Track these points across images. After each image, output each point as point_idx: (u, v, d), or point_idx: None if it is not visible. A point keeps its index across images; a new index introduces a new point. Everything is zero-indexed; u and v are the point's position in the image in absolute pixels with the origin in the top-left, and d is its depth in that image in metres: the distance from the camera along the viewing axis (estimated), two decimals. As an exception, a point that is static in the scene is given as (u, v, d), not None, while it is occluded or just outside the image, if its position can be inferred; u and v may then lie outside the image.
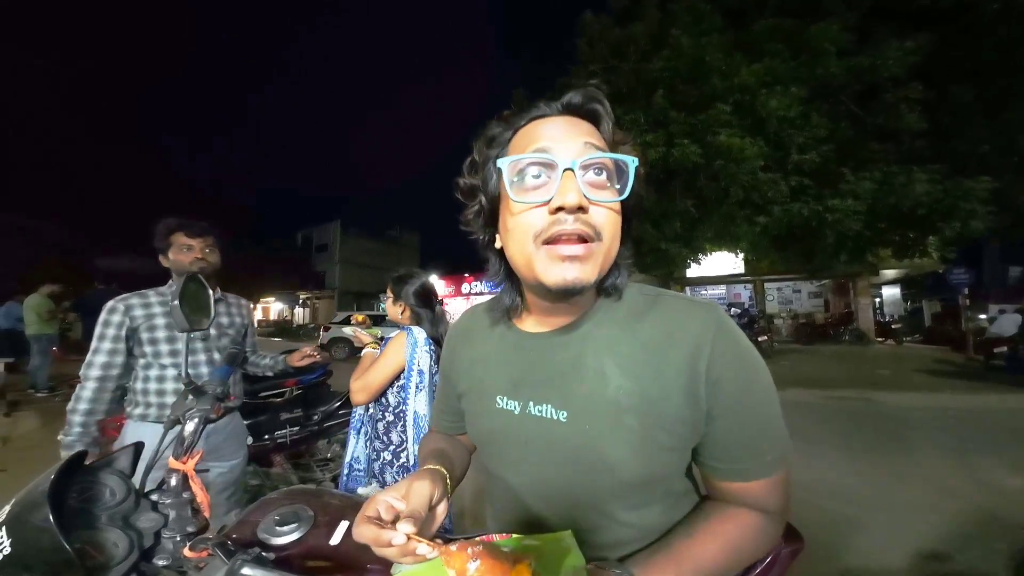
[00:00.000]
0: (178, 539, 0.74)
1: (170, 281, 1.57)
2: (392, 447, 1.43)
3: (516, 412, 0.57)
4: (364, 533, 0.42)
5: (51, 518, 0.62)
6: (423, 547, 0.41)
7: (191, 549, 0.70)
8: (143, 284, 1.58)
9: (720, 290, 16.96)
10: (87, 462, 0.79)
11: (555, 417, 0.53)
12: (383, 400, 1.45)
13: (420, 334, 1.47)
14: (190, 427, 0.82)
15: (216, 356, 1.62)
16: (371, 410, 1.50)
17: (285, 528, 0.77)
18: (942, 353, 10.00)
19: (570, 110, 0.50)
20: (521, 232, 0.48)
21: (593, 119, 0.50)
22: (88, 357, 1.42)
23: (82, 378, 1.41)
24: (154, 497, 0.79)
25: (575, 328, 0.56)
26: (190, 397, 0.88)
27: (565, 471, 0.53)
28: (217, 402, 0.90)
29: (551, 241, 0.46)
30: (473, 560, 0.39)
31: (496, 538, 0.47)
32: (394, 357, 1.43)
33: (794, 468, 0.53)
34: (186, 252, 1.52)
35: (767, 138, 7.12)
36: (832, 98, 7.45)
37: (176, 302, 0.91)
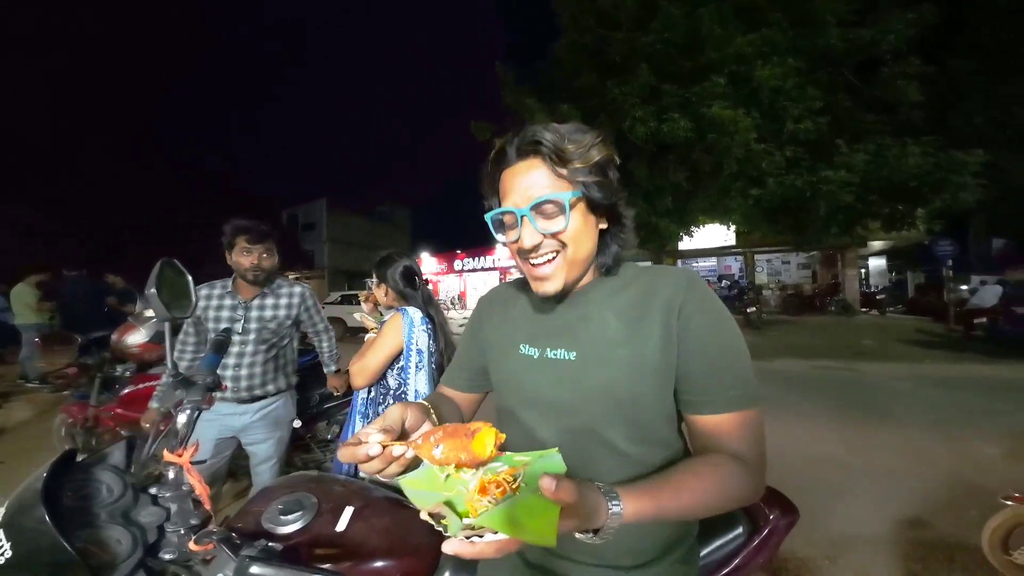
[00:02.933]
0: (182, 532, 0.73)
1: (233, 275, 1.78)
2: None
3: (535, 356, 0.70)
4: (343, 454, 0.48)
5: (47, 518, 0.60)
6: (397, 448, 0.48)
7: (196, 542, 0.69)
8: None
9: (711, 262, 17.11)
10: (78, 459, 0.77)
11: (566, 357, 0.67)
12: (384, 383, 1.44)
13: (416, 314, 1.46)
14: (182, 419, 0.80)
15: (253, 352, 1.75)
16: (372, 393, 1.49)
17: (290, 517, 0.77)
18: (924, 324, 10.28)
19: (524, 154, 0.63)
20: (512, 253, 0.68)
21: (541, 156, 0.62)
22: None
23: None
24: (153, 491, 0.78)
25: (582, 293, 0.71)
26: (179, 389, 0.85)
27: (573, 399, 0.64)
28: (208, 392, 0.87)
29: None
30: (436, 446, 0.46)
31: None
32: (391, 338, 1.41)
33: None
34: (245, 256, 1.70)
35: (761, 109, 7.01)
36: (830, 69, 7.32)
37: (152, 290, 0.86)
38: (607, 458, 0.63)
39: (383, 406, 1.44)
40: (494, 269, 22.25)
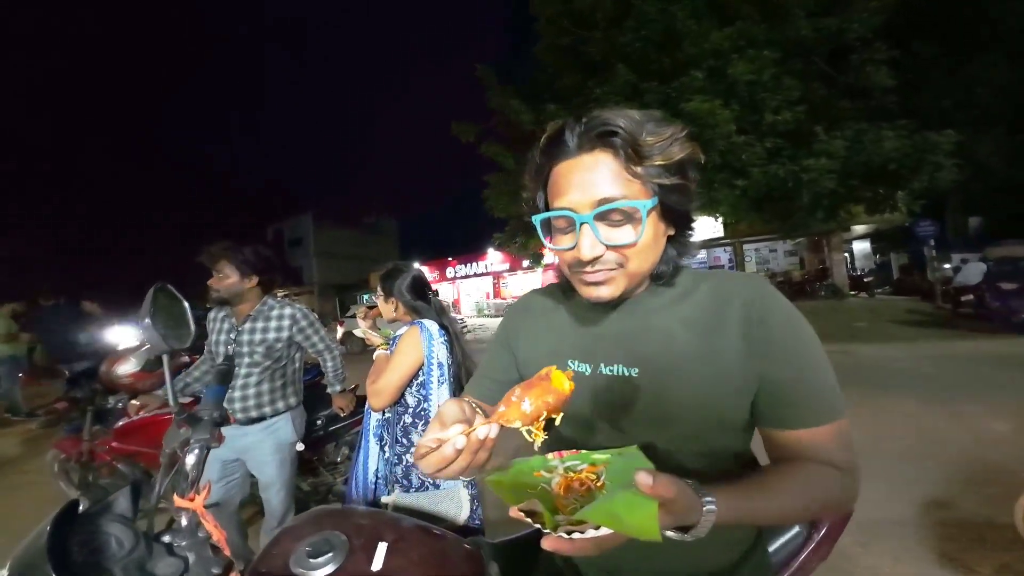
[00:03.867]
0: None
1: None
2: (414, 448, 1.35)
3: (588, 373, 0.62)
4: (427, 464, 0.44)
5: None
6: (482, 428, 0.44)
7: None
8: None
9: (701, 255, 17.28)
10: (81, 508, 0.70)
11: (626, 374, 0.59)
12: (402, 401, 1.37)
13: (433, 326, 1.40)
14: (191, 460, 0.73)
15: (247, 375, 1.72)
16: (387, 414, 1.42)
17: (320, 560, 0.70)
18: (912, 303, 10.46)
19: (589, 144, 0.53)
20: (560, 260, 0.59)
21: (612, 149, 0.52)
22: None
23: None
24: (166, 539, 0.71)
25: (636, 302, 0.62)
26: (184, 427, 0.78)
27: (638, 421, 0.58)
28: (216, 428, 0.80)
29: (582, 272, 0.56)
30: (521, 402, 0.44)
31: (564, 454, 0.48)
32: (410, 354, 1.34)
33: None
34: (213, 279, 1.71)
35: (741, 102, 7.11)
36: (804, 58, 7.47)
37: (147, 320, 0.79)
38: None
39: (399, 426, 1.37)
40: (487, 274, 22.19)
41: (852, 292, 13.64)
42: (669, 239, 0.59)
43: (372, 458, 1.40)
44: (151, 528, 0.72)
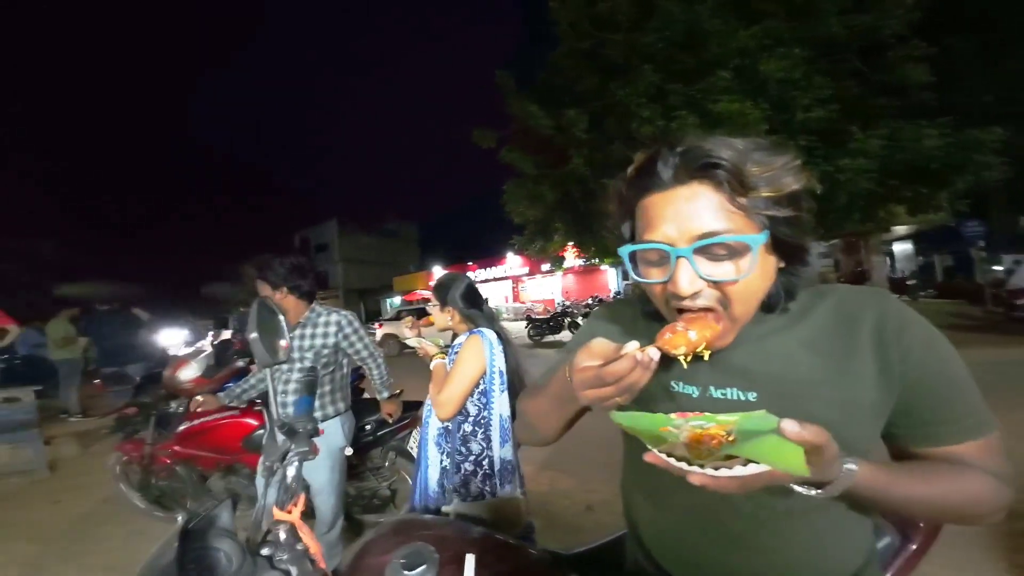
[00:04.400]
0: None
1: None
2: (473, 457, 1.38)
3: (695, 396, 0.59)
4: (594, 380, 0.46)
5: None
6: (651, 349, 0.46)
7: None
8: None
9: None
10: (182, 521, 0.73)
11: (742, 398, 0.56)
12: (462, 410, 1.40)
13: (491, 334, 1.42)
14: (291, 472, 0.77)
15: (293, 383, 1.80)
16: (447, 423, 1.44)
17: (414, 572, 0.72)
18: (959, 307, 9.94)
19: (686, 176, 0.48)
20: (651, 293, 0.56)
21: (714, 181, 0.48)
22: None
23: None
24: (265, 552, 0.74)
25: (748, 325, 0.56)
26: (281, 439, 0.81)
27: None
28: (311, 438, 0.83)
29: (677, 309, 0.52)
30: (687, 332, 0.48)
31: (688, 415, 0.46)
32: (475, 362, 1.37)
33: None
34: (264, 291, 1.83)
35: (771, 101, 6.95)
36: (835, 57, 7.26)
37: (254, 334, 0.83)
38: (790, 500, 0.53)
39: (459, 435, 1.40)
40: (506, 279, 22.26)
41: (894, 296, 13.08)
42: (780, 271, 0.54)
43: (433, 467, 1.43)
44: (253, 542, 0.75)
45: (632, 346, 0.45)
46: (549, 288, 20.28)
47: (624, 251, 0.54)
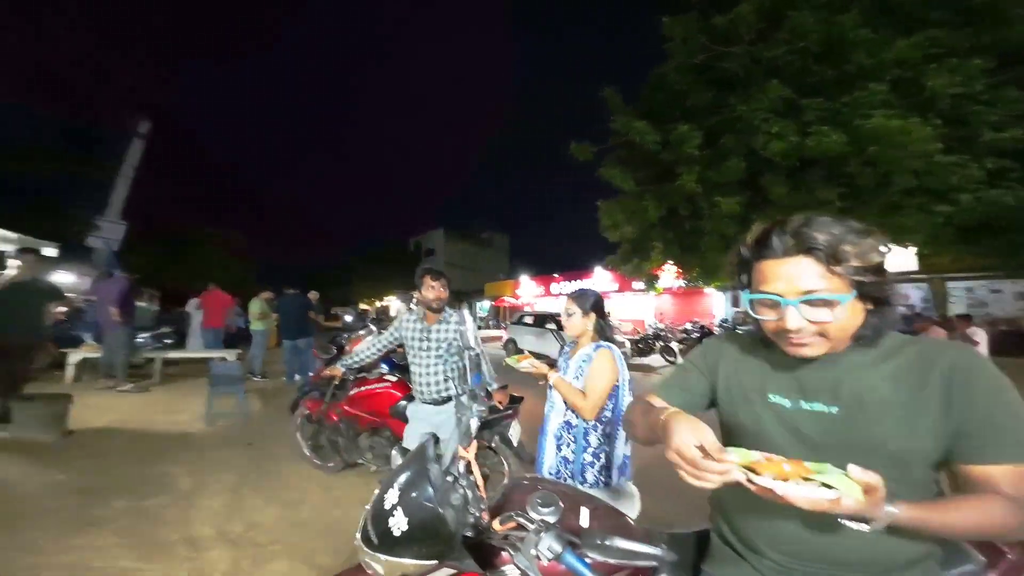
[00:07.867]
0: (477, 515, 1.01)
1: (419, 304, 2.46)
2: (591, 449, 1.64)
3: (788, 407, 0.75)
4: (690, 467, 0.61)
5: (433, 497, 0.91)
6: (739, 473, 0.59)
7: (501, 523, 0.96)
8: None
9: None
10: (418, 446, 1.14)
11: (827, 411, 0.70)
12: None
13: (616, 348, 1.68)
14: (474, 424, 1.15)
15: (436, 364, 2.34)
16: (565, 416, 1.71)
17: (548, 509, 1.02)
18: None
19: (793, 250, 0.67)
20: (764, 327, 0.74)
21: (814, 255, 0.66)
22: None
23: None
24: (449, 478, 1.11)
25: (836, 356, 0.72)
26: (468, 400, 1.21)
27: (838, 454, 0.65)
28: (485, 400, 1.21)
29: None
30: (782, 463, 0.59)
31: (774, 457, 0.62)
32: (610, 374, 1.62)
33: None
34: (431, 291, 2.33)
35: (944, 117, 5.91)
36: None
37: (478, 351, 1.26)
38: None
39: (578, 428, 1.66)
40: (592, 293, 21.66)
41: None
42: (869, 312, 0.70)
43: (548, 455, 1.72)
44: (444, 469, 1.12)
45: (733, 458, 0.59)
46: (640, 308, 19.36)
47: (746, 296, 0.74)
